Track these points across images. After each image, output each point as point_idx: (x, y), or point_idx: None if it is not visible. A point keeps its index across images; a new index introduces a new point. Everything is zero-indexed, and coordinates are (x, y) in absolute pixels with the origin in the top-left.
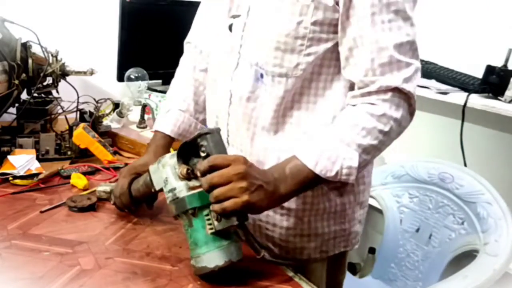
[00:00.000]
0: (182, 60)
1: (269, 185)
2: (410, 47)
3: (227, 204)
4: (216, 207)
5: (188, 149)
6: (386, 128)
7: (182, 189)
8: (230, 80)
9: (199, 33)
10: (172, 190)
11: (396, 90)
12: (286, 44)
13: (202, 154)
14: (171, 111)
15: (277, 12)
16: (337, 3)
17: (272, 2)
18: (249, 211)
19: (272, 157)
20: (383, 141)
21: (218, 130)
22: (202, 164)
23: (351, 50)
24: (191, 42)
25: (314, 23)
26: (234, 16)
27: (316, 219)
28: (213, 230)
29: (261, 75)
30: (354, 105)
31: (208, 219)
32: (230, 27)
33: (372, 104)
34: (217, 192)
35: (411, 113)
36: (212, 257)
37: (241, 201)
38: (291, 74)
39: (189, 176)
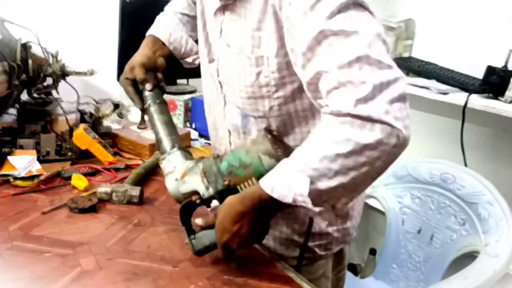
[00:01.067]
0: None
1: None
2: (366, 62)
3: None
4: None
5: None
6: (348, 150)
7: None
8: (223, 117)
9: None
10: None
11: (350, 115)
12: (254, 93)
13: None
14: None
15: (238, 63)
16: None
17: (232, 54)
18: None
19: None
20: (347, 165)
21: None
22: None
23: (310, 88)
24: None
25: (273, 72)
26: (210, 61)
27: (322, 221)
28: None
29: (246, 114)
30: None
31: None
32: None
33: (334, 127)
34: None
35: (390, 133)
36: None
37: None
38: (268, 115)
39: None
